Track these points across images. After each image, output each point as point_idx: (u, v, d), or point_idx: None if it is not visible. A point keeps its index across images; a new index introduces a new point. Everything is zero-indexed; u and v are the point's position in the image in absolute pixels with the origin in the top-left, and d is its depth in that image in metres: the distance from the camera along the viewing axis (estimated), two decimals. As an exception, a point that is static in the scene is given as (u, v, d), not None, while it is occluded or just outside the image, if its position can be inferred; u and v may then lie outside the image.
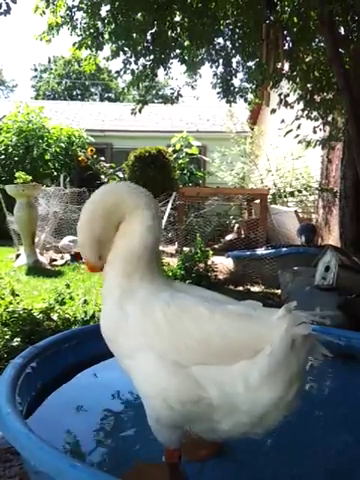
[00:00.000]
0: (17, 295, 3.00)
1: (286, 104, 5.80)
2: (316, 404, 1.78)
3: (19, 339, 2.40)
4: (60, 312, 2.84)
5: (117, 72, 5.99)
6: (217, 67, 6.08)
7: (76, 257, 6.52)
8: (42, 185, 7.46)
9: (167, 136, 12.25)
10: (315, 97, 5.71)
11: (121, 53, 5.66)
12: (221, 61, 6.04)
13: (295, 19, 5.33)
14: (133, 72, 5.86)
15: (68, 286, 3.40)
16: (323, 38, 5.06)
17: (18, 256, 6.48)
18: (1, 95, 34.20)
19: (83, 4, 5.38)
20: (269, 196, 8.46)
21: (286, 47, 5.27)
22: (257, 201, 8.19)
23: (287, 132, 5.94)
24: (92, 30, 5.47)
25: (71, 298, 3.16)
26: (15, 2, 4.11)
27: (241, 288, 4.86)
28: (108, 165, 11.11)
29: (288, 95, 5.83)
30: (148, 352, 1.14)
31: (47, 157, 11.01)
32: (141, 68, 5.83)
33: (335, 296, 3.05)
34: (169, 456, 1.20)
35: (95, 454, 1.41)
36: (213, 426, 1.13)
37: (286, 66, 5.66)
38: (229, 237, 8.75)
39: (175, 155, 11.19)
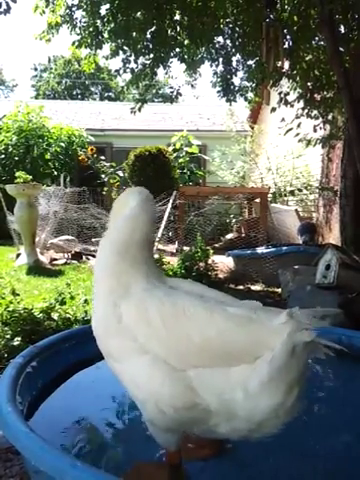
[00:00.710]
0: (17, 295, 3.00)
1: (286, 103, 5.80)
2: (316, 403, 1.78)
3: (20, 339, 2.40)
4: (61, 312, 2.84)
5: (117, 71, 5.99)
6: (217, 66, 6.07)
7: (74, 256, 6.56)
8: (42, 185, 7.46)
9: (167, 135, 12.24)
10: (315, 96, 5.70)
11: (121, 52, 5.65)
12: (221, 60, 6.03)
13: (295, 18, 5.32)
14: (133, 71, 5.85)
15: (69, 285, 3.39)
16: (323, 37, 5.05)
17: (18, 256, 6.48)
18: (1, 95, 34.20)
19: (83, 3, 5.37)
20: (269, 195, 8.46)
21: (286, 46, 5.27)
22: (257, 200, 8.19)
23: (287, 131, 5.93)
24: (92, 29, 5.46)
25: (72, 297, 3.16)
26: (15, 1, 4.11)
27: (241, 287, 4.86)
28: (108, 164, 11.11)
29: (288, 94, 5.83)
30: (141, 355, 1.10)
31: (47, 157, 11.01)
32: (141, 67, 5.82)
33: (336, 295, 3.05)
34: (170, 458, 1.20)
35: (95, 454, 1.41)
36: (210, 429, 1.11)
37: (286, 65, 5.66)
38: (229, 236, 8.75)
39: (175, 154, 11.19)
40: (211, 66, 6.11)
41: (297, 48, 5.41)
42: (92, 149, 11.13)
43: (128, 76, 6.03)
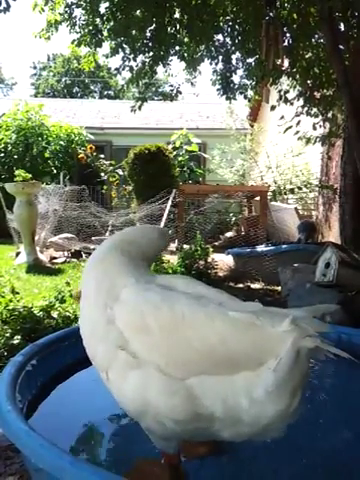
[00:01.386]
0: (17, 293, 3.00)
1: (286, 101, 5.79)
2: (316, 402, 1.78)
3: (19, 337, 2.40)
4: (60, 310, 2.84)
5: (116, 69, 5.98)
6: (217, 64, 6.06)
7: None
8: (42, 183, 7.46)
9: (167, 133, 12.23)
10: (315, 93, 5.69)
11: (120, 50, 5.64)
12: (221, 58, 6.02)
13: (295, 15, 5.31)
14: (132, 69, 5.84)
15: (68, 284, 3.39)
16: (323, 34, 5.04)
17: (18, 254, 6.48)
18: (0, 93, 34.16)
19: (82, 1, 5.36)
20: (269, 193, 8.45)
21: (286, 43, 5.25)
22: (257, 198, 8.19)
23: (287, 128, 5.92)
24: (91, 27, 5.45)
25: (71, 296, 3.16)
26: (14, -1, 4.10)
27: (241, 285, 4.86)
28: (108, 163, 11.10)
29: (288, 92, 5.82)
30: (132, 365, 1.06)
31: (47, 155, 11.01)
32: (140, 65, 5.81)
33: (335, 293, 3.05)
34: (168, 460, 1.19)
35: (96, 452, 1.41)
36: (212, 435, 1.09)
37: (286, 63, 5.64)
38: (229, 234, 8.75)
39: (175, 152, 11.18)
40: (211, 64, 6.10)
41: (297, 46, 5.39)
42: (91, 147, 11.13)
43: (128, 74, 6.02)
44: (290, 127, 5.91)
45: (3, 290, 2.99)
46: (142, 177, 9.43)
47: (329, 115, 5.75)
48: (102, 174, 11.00)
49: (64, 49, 31.13)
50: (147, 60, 5.77)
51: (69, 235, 7.13)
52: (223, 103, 9.20)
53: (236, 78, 6.22)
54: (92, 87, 33.74)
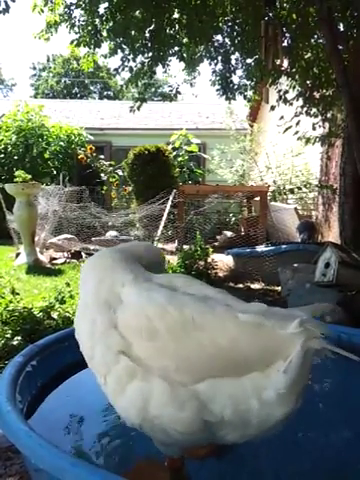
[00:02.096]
0: (17, 294, 3.00)
1: (285, 101, 5.79)
2: (316, 401, 1.78)
3: (19, 338, 2.40)
4: (60, 311, 2.84)
5: (116, 70, 5.98)
6: (216, 64, 6.06)
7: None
8: (42, 184, 7.46)
9: (166, 134, 12.23)
10: (314, 94, 5.70)
11: (119, 50, 5.64)
12: (220, 58, 6.02)
13: (294, 16, 5.31)
14: (131, 69, 5.84)
15: (68, 285, 3.39)
16: (322, 34, 5.04)
17: (18, 255, 6.48)
18: (0, 94, 34.17)
19: (81, 2, 5.36)
20: (269, 193, 8.45)
21: (285, 44, 5.26)
22: (257, 198, 8.18)
23: (286, 129, 5.93)
24: (90, 28, 5.46)
25: (71, 297, 3.16)
26: (14, 0, 4.11)
27: (241, 285, 4.86)
28: (107, 163, 11.10)
29: (287, 92, 5.82)
30: (135, 373, 1.04)
31: (46, 156, 11.01)
32: (139, 65, 5.81)
33: (335, 293, 3.05)
34: (170, 464, 1.19)
35: (96, 452, 1.41)
36: (217, 439, 1.08)
37: (285, 63, 5.65)
38: (229, 234, 8.75)
39: (174, 153, 11.18)
40: (210, 64, 6.11)
41: (296, 46, 5.40)
42: (91, 148, 11.13)
43: (127, 75, 6.03)
44: (290, 127, 5.91)
45: (3, 291, 2.99)
46: (142, 177, 9.43)
47: (329, 115, 5.76)
48: (102, 175, 11.00)
49: (63, 50, 31.11)
50: (146, 60, 5.78)
51: (69, 236, 7.13)
52: (223, 103, 9.21)
53: (235, 78, 6.24)
54: (92, 88, 33.76)
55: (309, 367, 1.03)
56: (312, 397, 1.79)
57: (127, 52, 5.70)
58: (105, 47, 5.77)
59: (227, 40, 5.92)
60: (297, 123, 5.82)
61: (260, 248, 5.53)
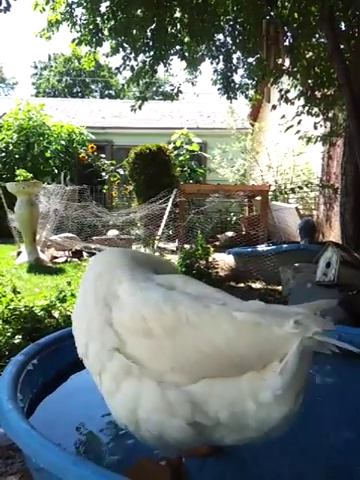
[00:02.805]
0: (18, 292, 3.00)
1: (287, 100, 5.79)
2: (316, 401, 1.78)
3: (20, 336, 2.40)
4: (61, 309, 2.84)
5: (117, 69, 5.98)
6: (217, 63, 6.06)
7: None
8: (43, 183, 7.47)
9: (167, 133, 12.23)
10: (316, 93, 5.69)
11: (121, 49, 5.64)
12: (221, 57, 6.01)
13: (295, 15, 5.30)
14: (133, 68, 5.84)
15: (69, 283, 3.39)
16: (323, 34, 5.03)
17: (19, 254, 6.48)
18: (1, 93, 34.18)
19: (83, 0, 5.36)
20: (270, 193, 8.45)
21: (286, 43, 5.25)
22: (258, 198, 8.18)
23: (288, 128, 5.92)
24: (92, 26, 5.45)
25: (72, 295, 3.16)
26: (15, -1, 4.10)
27: (242, 285, 4.86)
28: (109, 162, 11.10)
29: (289, 91, 5.81)
30: (129, 371, 1.04)
31: (48, 155, 11.02)
32: (141, 64, 5.81)
33: (336, 292, 3.05)
34: (169, 462, 1.19)
35: (97, 451, 1.41)
36: (214, 441, 1.07)
37: (287, 62, 5.64)
38: (230, 234, 8.75)
39: (175, 152, 11.18)
40: (211, 64, 6.10)
41: (297, 45, 5.39)
42: (92, 147, 11.13)
43: (128, 74, 6.02)
44: (291, 126, 5.91)
45: (4, 289, 2.99)
46: (143, 177, 9.43)
47: (330, 114, 5.75)
48: (103, 174, 11.00)
49: (65, 49, 31.14)
50: (148, 59, 5.77)
51: (70, 235, 7.13)
52: (224, 103, 9.20)
53: (237, 77, 6.24)
54: (93, 87, 33.75)
55: (307, 367, 1.01)
56: (312, 397, 1.79)
57: (128, 51, 5.69)
58: (106, 46, 5.77)
59: (228, 39, 5.92)
60: (298, 122, 5.82)
61: (261, 247, 5.52)
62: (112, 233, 7.87)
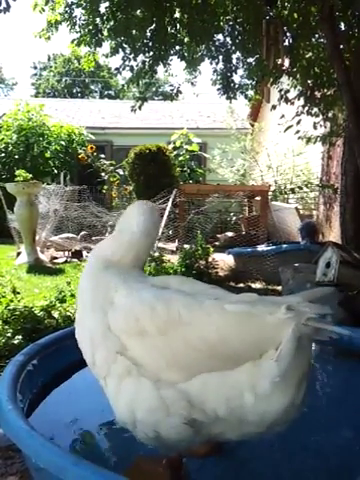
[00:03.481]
0: (18, 293, 3.00)
1: (286, 100, 5.78)
2: (317, 401, 1.78)
3: (20, 337, 2.40)
4: (61, 310, 2.84)
5: (116, 69, 5.98)
6: (217, 63, 6.05)
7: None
8: (42, 183, 7.46)
9: (167, 133, 12.23)
10: (315, 93, 5.69)
11: (120, 50, 5.63)
12: (221, 57, 6.01)
13: (295, 15, 5.30)
14: (132, 69, 5.84)
15: (69, 284, 3.39)
16: (323, 34, 5.03)
17: (19, 254, 6.48)
18: (1, 93, 34.17)
19: (82, 1, 5.36)
20: (270, 193, 8.45)
21: (286, 43, 5.25)
22: (258, 198, 8.18)
23: (287, 128, 5.92)
24: (91, 27, 5.45)
25: (72, 296, 3.16)
26: (14, -1, 4.10)
27: (242, 285, 4.86)
28: (108, 163, 11.10)
29: (288, 91, 5.81)
30: (132, 371, 1.04)
31: (47, 155, 11.01)
32: (140, 65, 5.81)
33: (336, 292, 3.05)
34: (169, 461, 1.19)
35: (96, 451, 1.42)
36: (215, 437, 1.07)
37: (286, 62, 5.64)
38: (230, 234, 8.75)
39: (175, 152, 11.18)
40: (211, 64, 6.10)
41: (297, 45, 5.39)
42: (92, 147, 11.13)
43: (128, 74, 6.02)
44: (291, 126, 5.90)
45: (4, 290, 2.99)
46: (142, 177, 9.43)
47: (330, 114, 5.75)
48: (102, 174, 11.00)
49: (64, 49, 31.12)
50: (147, 60, 5.76)
51: (70, 235, 7.14)
52: (224, 103, 9.20)
53: (236, 78, 6.25)
54: (92, 87, 33.75)
55: (306, 355, 0.98)
56: (313, 397, 1.79)
57: (128, 51, 5.69)
58: (106, 46, 5.77)
59: (228, 39, 5.91)
60: (298, 122, 5.81)
61: (261, 248, 5.52)
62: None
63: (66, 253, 6.91)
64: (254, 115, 12.36)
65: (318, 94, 5.69)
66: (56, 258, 6.79)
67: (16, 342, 2.35)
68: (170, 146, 11.09)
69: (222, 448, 1.34)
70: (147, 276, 1.26)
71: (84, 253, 6.94)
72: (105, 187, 11.06)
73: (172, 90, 6.27)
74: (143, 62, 5.80)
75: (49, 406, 1.59)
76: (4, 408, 1.22)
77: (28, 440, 1.08)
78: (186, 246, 5.48)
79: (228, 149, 11.25)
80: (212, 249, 4.96)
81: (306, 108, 5.79)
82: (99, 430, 1.52)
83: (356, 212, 5.31)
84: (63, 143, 11.42)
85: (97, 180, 10.98)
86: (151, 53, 5.69)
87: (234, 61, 6.07)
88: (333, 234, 7.21)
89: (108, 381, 1.10)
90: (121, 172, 10.87)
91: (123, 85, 6.88)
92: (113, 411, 1.12)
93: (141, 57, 5.78)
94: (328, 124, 5.98)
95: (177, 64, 6.08)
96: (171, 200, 7.34)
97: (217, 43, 5.93)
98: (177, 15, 5.64)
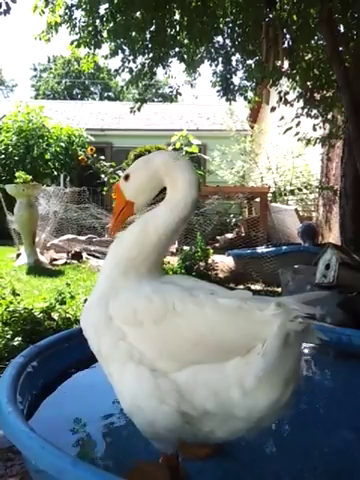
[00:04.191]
0: (18, 295, 3.00)
1: (286, 102, 5.79)
2: (317, 402, 1.78)
3: (20, 338, 2.40)
4: (61, 311, 2.84)
5: (116, 71, 5.98)
6: (217, 65, 6.07)
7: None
8: (42, 185, 7.47)
9: (167, 135, 12.20)
10: (315, 95, 5.70)
11: (120, 51, 5.64)
12: (220, 59, 6.02)
13: (295, 17, 5.31)
14: (132, 71, 5.84)
15: (69, 285, 3.40)
16: (323, 36, 5.04)
17: (19, 256, 6.48)
18: (1, 95, 34.19)
19: (82, 3, 5.36)
20: (269, 194, 8.45)
21: (286, 45, 5.25)
22: (257, 199, 8.19)
23: (287, 130, 5.93)
24: (91, 29, 5.46)
25: (72, 297, 3.16)
26: (15, 2, 4.11)
27: (241, 286, 4.86)
28: (108, 164, 11.09)
29: (288, 93, 5.82)
30: (128, 360, 1.08)
31: (47, 156, 11.01)
32: (140, 66, 5.81)
33: (335, 294, 3.05)
34: (166, 460, 1.19)
35: (96, 453, 1.42)
36: (207, 436, 1.08)
37: (286, 64, 5.65)
38: (229, 236, 8.75)
39: (175, 154, 11.17)
40: (211, 66, 6.11)
41: (297, 47, 5.40)
42: (92, 149, 11.11)
43: (128, 76, 6.02)
44: (290, 128, 5.91)
45: (4, 292, 2.99)
46: (142, 178, 9.42)
47: (329, 116, 5.76)
48: (102, 176, 10.99)
49: (64, 51, 31.09)
50: (147, 61, 5.77)
51: (70, 236, 7.14)
52: (223, 104, 9.20)
53: (236, 79, 6.24)
54: (92, 89, 33.77)
55: (294, 349, 1.00)
56: (313, 398, 1.79)
57: (127, 53, 5.69)
58: (105, 48, 5.78)
59: (228, 41, 5.92)
60: (297, 124, 5.82)
61: (261, 249, 5.52)
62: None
63: (66, 254, 6.91)
64: (254, 117, 12.38)
65: (317, 96, 5.70)
66: (56, 259, 6.79)
67: (16, 344, 2.35)
68: (170, 148, 11.07)
69: (222, 450, 1.34)
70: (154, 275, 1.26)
71: (84, 255, 6.94)
72: (105, 189, 11.06)
73: (172, 92, 6.28)
74: (143, 64, 5.81)
75: (49, 408, 1.59)
76: (4, 410, 1.22)
77: (28, 442, 1.08)
78: (186, 248, 5.48)
79: (228, 151, 11.26)
80: (212, 251, 4.96)
81: (305, 110, 5.80)
82: (99, 432, 1.52)
83: (355, 214, 5.31)
84: (63, 145, 11.43)
85: (97, 182, 10.96)
86: (151, 55, 5.70)
87: (234, 63, 6.09)
88: (332, 236, 7.22)
89: (112, 368, 1.13)
90: (121, 174, 10.86)
91: (123, 87, 6.88)
92: (118, 397, 1.15)
93: (141, 59, 5.79)
94: (327, 126, 5.99)
95: (177, 66, 6.09)
96: (171, 202, 7.33)
97: (217, 45, 5.94)
98: (177, 17, 5.65)
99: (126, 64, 5.79)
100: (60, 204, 7.65)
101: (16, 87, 36.65)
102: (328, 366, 2.10)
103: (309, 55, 5.67)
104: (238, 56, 6.04)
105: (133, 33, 5.48)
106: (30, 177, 6.30)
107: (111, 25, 5.41)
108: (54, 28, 5.48)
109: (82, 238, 7.39)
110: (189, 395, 1.02)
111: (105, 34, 5.52)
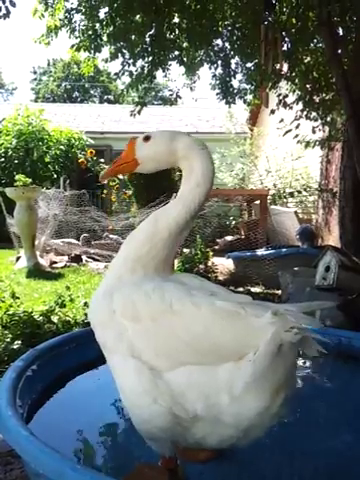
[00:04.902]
0: (17, 298, 3.00)
1: (285, 105, 5.81)
2: (317, 404, 1.78)
3: (20, 342, 2.40)
4: (60, 314, 2.84)
5: (116, 74, 6.00)
6: (216, 68, 6.08)
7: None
8: (42, 188, 7.48)
9: (167, 137, 12.24)
10: (314, 97, 5.71)
11: (119, 55, 5.66)
12: (220, 62, 6.04)
13: (294, 20, 5.33)
14: (132, 74, 5.86)
15: (68, 288, 3.40)
16: (322, 39, 5.06)
17: (18, 259, 6.48)
18: (1, 98, 34.26)
19: (81, 6, 5.38)
20: (269, 197, 8.45)
21: (285, 48, 5.27)
22: (257, 202, 8.19)
23: (286, 132, 5.94)
24: (90, 32, 5.47)
25: (71, 300, 3.16)
26: (14, 6, 4.12)
27: (241, 289, 4.86)
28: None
29: (287, 96, 5.84)
30: (126, 357, 1.09)
31: (47, 159, 11.03)
32: (140, 70, 5.83)
33: (335, 296, 3.05)
34: (164, 464, 1.20)
35: (96, 456, 1.41)
36: (198, 441, 1.08)
37: (285, 67, 5.66)
38: (229, 238, 8.76)
39: (175, 156, 11.17)
40: (210, 69, 6.13)
41: (296, 50, 5.42)
42: (92, 152, 11.14)
43: (127, 79, 6.04)
44: (289, 131, 5.92)
45: (3, 295, 2.99)
46: (142, 181, 9.44)
47: (328, 119, 5.77)
48: (102, 178, 11.01)
49: (64, 54, 31.16)
50: (146, 65, 5.79)
51: (71, 240, 7.14)
52: (223, 107, 9.22)
53: (235, 82, 6.26)
54: (92, 92, 33.83)
55: (287, 360, 0.99)
56: (312, 399, 1.79)
57: (127, 56, 5.71)
58: (105, 51, 5.79)
59: (227, 44, 5.94)
60: (297, 127, 5.83)
61: (260, 252, 5.52)
62: (111, 238, 7.85)
63: (65, 257, 6.91)
64: (253, 119, 12.40)
65: (317, 98, 5.71)
66: (55, 263, 6.79)
67: (15, 347, 2.35)
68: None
69: (221, 453, 1.34)
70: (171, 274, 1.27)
71: (83, 258, 6.94)
72: (104, 191, 11.07)
73: (171, 95, 6.30)
74: (142, 67, 5.83)
75: (49, 411, 1.59)
76: (3, 414, 1.21)
77: (27, 446, 1.08)
78: (185, 250, 5.49)
79: (227, 153, 11.27)
80: (211, 253, 4.96)
81: (305, 112, 5.81)
82: (99, 436, 1.52)
83: (355, 216, 5.31)
84: (63, 148, 11.45)
85: (96, 185, 10.99)
86: (150, 58, 5.72)
87: (233, 66, 6.11)
88: (332, 238, 7.21)
89: (115, 361, 1.14)
90: (120, 176, 10.87)
91: (122, 90, 6.89)
92: (119, 392, 1.15)
93: (140, 62, 5.81)
94: (327, 128, 5.99)
95: (176, 69, 6.11)
96: (170, 204, 7.34)
97: (216, 48, 5.97)
98: (176, 20, 5.67)
99: (126, 67, 5.81)
100: (60, 207, 7.65)
101: (16, 90, 36.86)
102: (328, 368, 2.10)
103: (308, 58, 5.69)
104: (237, 59, 6.06)
105: (133, 36, 5.50)
106: (30, 180, 6.31)
107: (111, 29, 5.43)
108: (54, 32, 5.50)
109: (78, 243, 7.39)
110: (181, 395, 1.02)
111: (105, 38, 5.53)
